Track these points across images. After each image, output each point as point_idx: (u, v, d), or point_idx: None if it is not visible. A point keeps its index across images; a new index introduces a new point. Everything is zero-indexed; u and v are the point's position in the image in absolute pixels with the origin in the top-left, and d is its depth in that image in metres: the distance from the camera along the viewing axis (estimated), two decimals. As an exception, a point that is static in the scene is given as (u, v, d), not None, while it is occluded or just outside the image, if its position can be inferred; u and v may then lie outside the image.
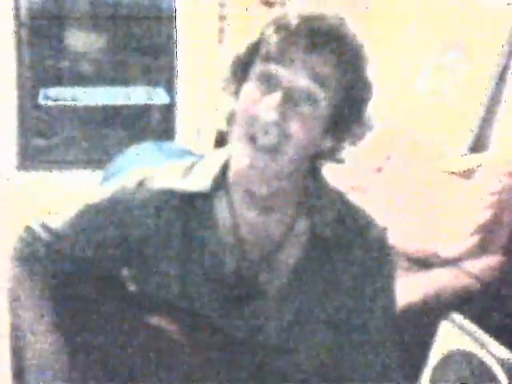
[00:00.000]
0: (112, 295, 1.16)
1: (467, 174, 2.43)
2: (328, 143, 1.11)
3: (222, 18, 3.44)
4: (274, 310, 1.13)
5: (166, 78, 3.96)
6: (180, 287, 1.14)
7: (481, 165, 2.42)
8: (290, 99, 1.04)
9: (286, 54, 1.04)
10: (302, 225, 1.15)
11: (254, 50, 1.08)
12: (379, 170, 2.81)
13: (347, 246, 1.15)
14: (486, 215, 2.28)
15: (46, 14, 3.85)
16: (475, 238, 2.27)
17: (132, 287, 1.19)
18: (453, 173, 2.48)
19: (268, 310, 1.13)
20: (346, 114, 1.09)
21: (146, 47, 4.03)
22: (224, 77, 1.13)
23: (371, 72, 1.10)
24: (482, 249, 2.27)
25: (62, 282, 1.15)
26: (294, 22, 1.04)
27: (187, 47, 3.55)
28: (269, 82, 1.05)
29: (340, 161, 1.17)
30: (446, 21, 2.87)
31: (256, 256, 1.14)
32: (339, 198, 1.19)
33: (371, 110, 1.12)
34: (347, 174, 2.69)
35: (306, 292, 1.13)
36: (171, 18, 3.75)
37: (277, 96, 1.03)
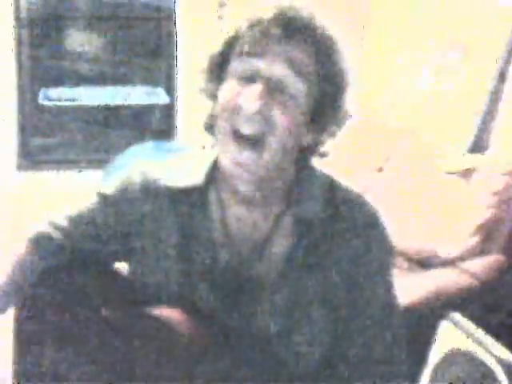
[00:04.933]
0: (111, 288, 1.16)
1: (467, 173, 2.43)
2: (310, 137, 1.12)
3: (221, 17, 3.44)
4: (269, 301, 1.13)
5: (165, 78, 3.96)
6: (176, 281, 1.15)
7: (481, 165, 2.42)
8: (271, 89, 1.04)
9: (262, 46, 1.05)
10: (289, 214, 1.15)
11: (229, 48, 1.09)
12: (379, 170, 2.81)
13: (338, 228, 1.14)
14: (486, 215, 2.28)
15: (46, 14, 3.84)
16: (475, 238, 2.27)
17: (131, 280, 1.20)
18: (453, 173, 2.48)
19: (263, 301, 1.13)
20: (325, 105, 1.10)
21: (146, 47, 4.02)
22: (201, 79, 1.14)
23: (346, 62, 1.10)
24: (482, 249, 2.27)
25: (63, 275, 1.16)
26: (267, 15, 1.05)
27: (187, 47, 3.55)
28: (248, 76, 1.06)
29: (324, 155, 1.17)
30: (446, 21, 2.86)
31: (247, 249, 1.15)
32: (327, 181, 1.18)
33: (349, 99, 1.12)
34: (347, 174, 2.69)
35: (300, 281, 1.13)
36: (171, 18, 3.74)
37: (258, 86, 1.04)
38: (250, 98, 1.03)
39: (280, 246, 1.14)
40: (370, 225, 1.16)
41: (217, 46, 1.11)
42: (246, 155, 1.05)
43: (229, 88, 1.07)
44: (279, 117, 1.04)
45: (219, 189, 1.16)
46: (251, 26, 1.06)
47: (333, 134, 1.14)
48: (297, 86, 1.05)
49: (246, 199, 1.13)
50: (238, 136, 1.05)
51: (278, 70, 1.04)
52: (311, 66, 1.06)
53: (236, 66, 1.07)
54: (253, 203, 1.14)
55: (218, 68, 1.11)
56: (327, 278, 1.14)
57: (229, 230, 1.15)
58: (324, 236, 1.14)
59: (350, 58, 1.11)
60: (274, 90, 1.04)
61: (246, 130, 1.04)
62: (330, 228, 1.14)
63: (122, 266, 1.22)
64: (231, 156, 1.06)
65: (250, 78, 1.05)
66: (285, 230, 1.15)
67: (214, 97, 1.12)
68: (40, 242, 1.20)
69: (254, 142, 1.05)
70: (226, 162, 1.07)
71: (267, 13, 1.05)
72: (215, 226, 1.15)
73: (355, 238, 1.14)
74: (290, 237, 1.14)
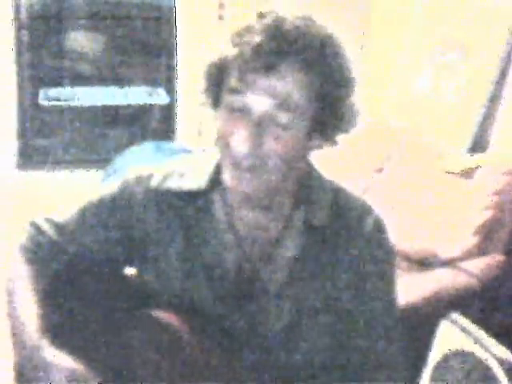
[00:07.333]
0: (114, 291, 1.16)
1: (467, 174, 2.43)
2: (316, 141, 1.11)
3: (221, 18, 3.44)
4: (276, 306, 1.13)
5: (165, 78, 3.96)
6: (181, 285, 1.15)
7: (481, 164, 2.42)
8: (261, 124, 1.04)
9: (247, 81, 1.03)
10: (298, 218, 1.15)
11: (221, 72, 1.08)
12: (379, 170, 2.81)
13: (344, 235, 1.15)
14: (485, 215, 2.28)
15: (46, 14, 3.84)
16: (475, 238, 2.27)
17: (134, 284, 1.20)
18: (453, 173, 2.48)
19: (269, 305, 1.13)
20: (329, 113, 1.09)
21: (146, 47, 4.02)
22: (202, 88, 1.14)
23: (349, 64, 1.08)
24: (481, 249, 2.27)
25: (65, 277, 1.16)
26: (256, 39, 1.02)
27: (187, 47, 3.55)
28: (238, 111, 1.05)
29: (335, 143, 1.15)
30: (446, 21, 2.86)
31: (255, 253, 1.15)
32: (333, 188, 1.19)
33: (357, 99, 1.11)
34: (347, 174, 2.69)
35: (306, 285, 1.14)
36: (171, 18, 3.74)
37: (247, 127, 1.03)
38: (239, 139, 1.03)
39: (288, 249, 1.15)
40: (376, 232, 1.17)
41: (211, 69, 1.10)
42: (245, 178, 1.05)
43: (223, 120, 1.07)
44: (273, 148, 1.04)
45: (225, 192, 1.16)
46: (236, 58, 1.04)
47: (346, 131, 1.13)
48: (284, 118, 1.04)
49: (255, 203, 1.13)
50: (235, 162, 1.05)
51: (263, 105, 1.03)
52: (306, 83, 1.04)
53: (226, 98, 1.07)
54: (262, 207, 1.14)
55: (215, 87, 1.11)
56: (333, 283, 1.14)
57: (237, 233, 1.15)
58: (331, 241, 1.14)
59: (351, 59, 1.10)
60: (263, 122, 1.03)
61: (242, 163, 1.04)
62: (336, 233, 1.15)
63: (130, 271, 1.22)
64: (230, 174, 1.06)
65: (240, 113, 1.04)
66: (293, 233, 1.15)
67: (214, 107, 1.13)
68: (39, 247, 1.18)
69: (253, 170, 1.05)
70: (226, 177, 1.08)
71: (256, 35, 1.02)
72: (222, 230, 1.15)
73: (361, 244, 1.15)
74: (299, 240, 1.15)
